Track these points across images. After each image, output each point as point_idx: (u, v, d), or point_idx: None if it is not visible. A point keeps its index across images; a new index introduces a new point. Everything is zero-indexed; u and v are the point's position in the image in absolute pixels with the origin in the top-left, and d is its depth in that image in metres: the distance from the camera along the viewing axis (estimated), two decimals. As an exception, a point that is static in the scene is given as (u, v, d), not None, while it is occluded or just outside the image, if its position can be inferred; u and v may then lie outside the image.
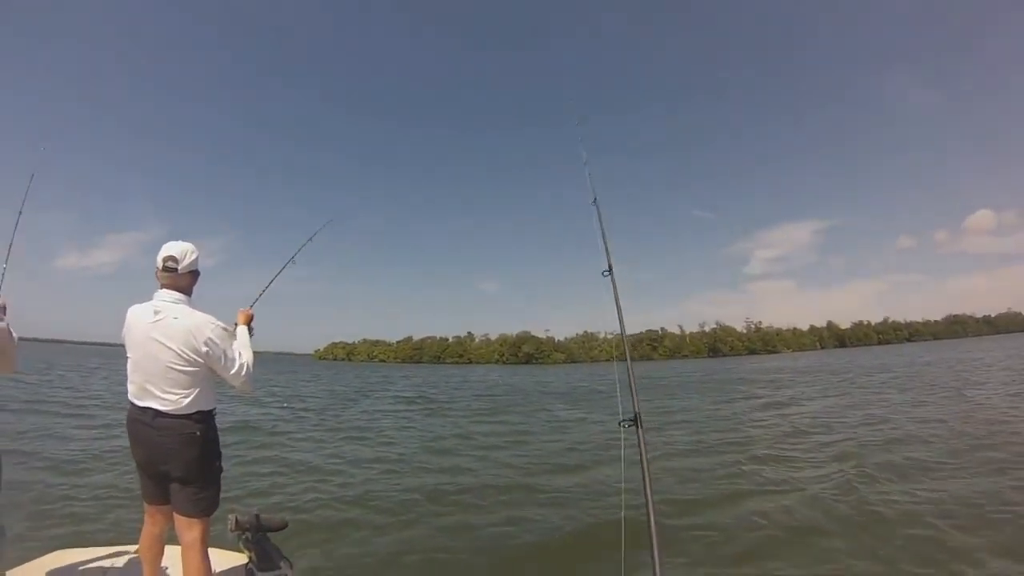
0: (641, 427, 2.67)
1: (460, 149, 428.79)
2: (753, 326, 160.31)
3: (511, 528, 6.65)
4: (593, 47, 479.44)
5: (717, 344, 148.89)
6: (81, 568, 3.65)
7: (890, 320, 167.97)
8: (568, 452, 11.48)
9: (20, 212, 4.25)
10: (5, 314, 3.08)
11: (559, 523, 6.68)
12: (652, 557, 2.37)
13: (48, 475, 8.66)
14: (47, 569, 3.58)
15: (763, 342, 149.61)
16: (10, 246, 3.95)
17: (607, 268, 3.22)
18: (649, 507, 2.47)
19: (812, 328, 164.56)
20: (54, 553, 3.85)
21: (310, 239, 4.74)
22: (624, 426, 2.69)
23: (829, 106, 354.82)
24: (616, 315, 3.26)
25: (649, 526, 2.41)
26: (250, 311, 3.42)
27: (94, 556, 3.80)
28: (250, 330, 3.32)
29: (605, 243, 3.36)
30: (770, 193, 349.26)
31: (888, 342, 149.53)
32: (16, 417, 14.47)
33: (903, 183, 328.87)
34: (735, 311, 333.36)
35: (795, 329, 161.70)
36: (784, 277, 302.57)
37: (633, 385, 2.81)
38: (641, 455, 2.64)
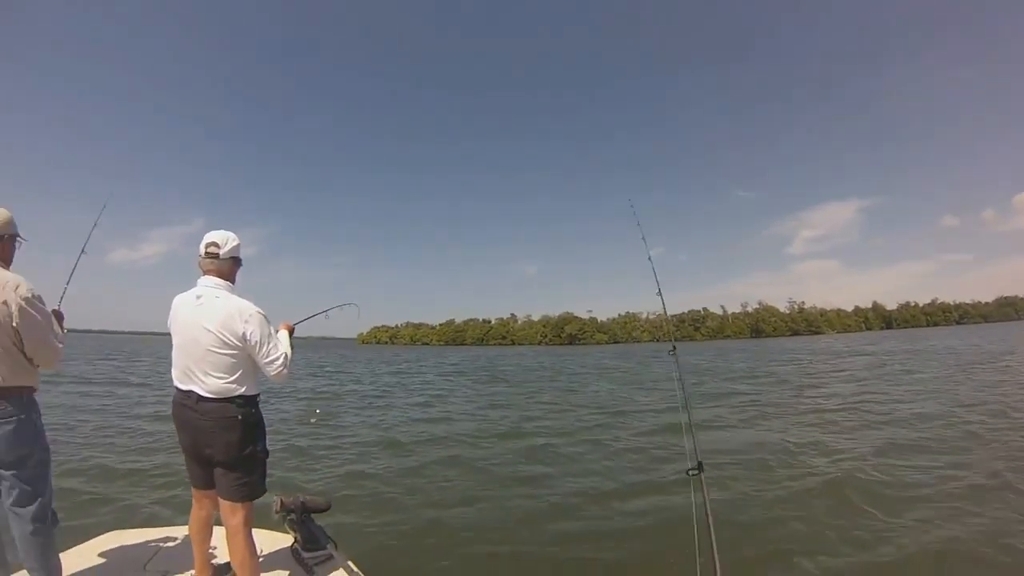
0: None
1: (499, 133, 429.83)
2: (796, 307, 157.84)
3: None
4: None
5: (760, 324, 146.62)
6: (133, 549, 3.72)
7: (938, 301, 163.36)
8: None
9: (83, 251, 4.13)
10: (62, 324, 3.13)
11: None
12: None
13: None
14: (100, 550, 3.66)
15: (806, 323, 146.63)
16: (71, 275, 3.84)
17: (672, 349, 3.65)
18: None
19: (857, 309, 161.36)
20: (107, 535, 3.95)
21: (340, 307, 4.60)
22: (690, 475, 3.07)
23: (869, 81, 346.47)
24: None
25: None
26: (292, 325, 3.42)
27: (146, 538, 3.88)
28: (291, 342, 3.28)
29: (662, 299, 4.02)
30: (812, 172, 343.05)
31: (937, 324, 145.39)
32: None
33: (945, 161, 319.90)
34: (779, 291, 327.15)
35: (839, 310, 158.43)
36: (828, 257, 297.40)
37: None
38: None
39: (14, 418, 2.68)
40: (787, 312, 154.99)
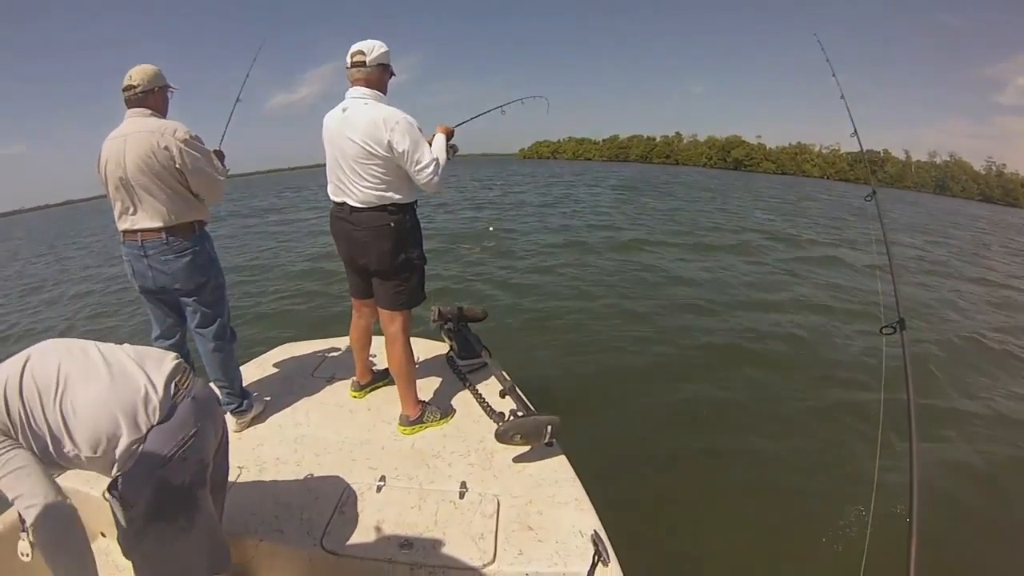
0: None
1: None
2: (995, 168, 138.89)
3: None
4: None
5: (946, 180, 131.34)
6: (303, 358, 4.03)
7: None
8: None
9: (238, 99, 4.25)
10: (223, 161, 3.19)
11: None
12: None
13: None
14: (274, 360, 3.97)
15: (1002, 190, 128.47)
16: (227, 124, 3.88)
17: (871, 193, 3.09)
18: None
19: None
20: (280, 347, 4.27)
21: (521, 100, 4.55)
22: (883, 333, 2.29)
23: None
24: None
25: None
26: (451, 127, 3.22)
27: (314, 348, 4.19)
28: (449, 146, 3.16)
29: (859, 139, 3.51)
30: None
31: None
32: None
33: None
34: (976, 146, 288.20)
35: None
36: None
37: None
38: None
39: (189, 250, 2.86)
40: (982, 172, 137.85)
